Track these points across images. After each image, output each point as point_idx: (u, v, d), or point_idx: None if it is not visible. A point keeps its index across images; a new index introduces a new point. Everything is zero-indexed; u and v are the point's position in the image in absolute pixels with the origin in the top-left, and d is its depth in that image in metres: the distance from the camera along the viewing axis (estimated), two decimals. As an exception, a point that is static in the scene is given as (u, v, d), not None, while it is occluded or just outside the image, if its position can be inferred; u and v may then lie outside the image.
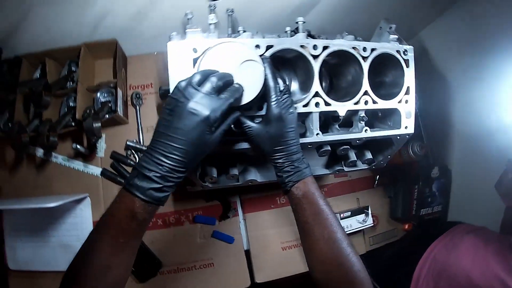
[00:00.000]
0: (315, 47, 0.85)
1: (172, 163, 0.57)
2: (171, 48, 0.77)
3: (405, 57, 0.96)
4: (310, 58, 0.85)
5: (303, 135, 0.91)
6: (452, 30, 1.34)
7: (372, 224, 1.33)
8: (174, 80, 0.75)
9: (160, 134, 0.59)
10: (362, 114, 0.94)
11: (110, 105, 1.17)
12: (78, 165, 1.20)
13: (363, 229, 1.34)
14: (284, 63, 0.96)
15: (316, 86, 0.86)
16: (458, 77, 1.30)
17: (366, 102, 0.92)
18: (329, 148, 0.95)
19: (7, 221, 1.12)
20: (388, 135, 0.98)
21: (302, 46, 0.84)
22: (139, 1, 1.02)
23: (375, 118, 1.06)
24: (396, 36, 0.97)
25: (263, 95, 0.73)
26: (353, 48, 0.90)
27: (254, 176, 1.01)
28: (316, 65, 0.85)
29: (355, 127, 0.96)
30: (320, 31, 1.30)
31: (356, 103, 0.91)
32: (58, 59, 1.19)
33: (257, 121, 0.76)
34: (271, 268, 1.24)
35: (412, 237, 1.32)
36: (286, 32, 1.01)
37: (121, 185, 0.61)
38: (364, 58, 0.91)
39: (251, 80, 0.71)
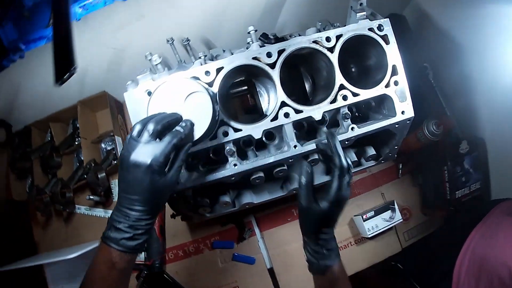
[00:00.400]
0: (269, 54, 0.79)
1: (136, 213, 0.60)
2: (127, 97, 0.78)
3: (381, 33, 0.84)
4: (267, 68, 0.79)
5: (279, 147, 0.86)
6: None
7: (403, 219, 1.19)
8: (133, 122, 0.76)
9: (120, 189, 0.62)
10: (345, 111, 0.84)
11: (114, 152, 1.24)
12: (99, 212, 1.29)
13: (394, 226, 1.21)
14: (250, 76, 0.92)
15: (280, 95, 0.80)
16: (469, 37, 1.11)
17: (344, 97, 0.83)
18: (316, 157, 0.87)
19: (48, 272, 1.23)
20: (382, 127, 0.87)
21: (255, 58, 0.79)
22: (106, 55, 1.07)
23: (369, 108, 0.96)
24: (364, 13, 0.84)
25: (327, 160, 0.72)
26: (315, 42, 0.82)
27: (250, 198, 0.97)
28: (274, 73, 0.79)
29: (341, 127, 0.87)
30: (298, 27, 1.24)
31: (333, 101, 0.83)
32: (63, 120, 1.31)
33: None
34: (297, 284, 1.18)
35: (451, 226, 1.14)
36: (248, 43, 0.96)
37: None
38: (330, 49, 0.82)
39: (200, 112, 0.69)
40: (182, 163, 0.65)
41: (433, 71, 1.24)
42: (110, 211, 1.27)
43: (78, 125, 1.29)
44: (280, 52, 0.80)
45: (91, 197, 1.19)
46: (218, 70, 0.78)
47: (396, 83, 0.86)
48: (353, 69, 0.98)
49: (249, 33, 0.85)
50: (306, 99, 0.97)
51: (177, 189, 0.80)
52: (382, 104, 0.91)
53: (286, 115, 0.80)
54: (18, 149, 1.22)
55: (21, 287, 1.23)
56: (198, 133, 0.68)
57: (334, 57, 0.82)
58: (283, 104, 0.81)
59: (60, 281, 1.23)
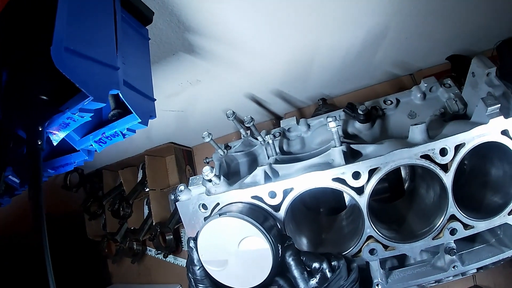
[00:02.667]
0: (356, 175, 0.60)
1: None
2: (180, 206, 0.71)
3: None
4: (352, 194, 0.61)
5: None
6: None
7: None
8: (189, 235, 0.70)
9: None
10: (451, 244, 0.63)
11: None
12: (169, 258, 1.31)
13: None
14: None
15: (367, 228, 0.62)
16: None
17: (453, 232, 0.62)
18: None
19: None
20: (497, 261, 0.64)
21: (338, 180, 0.61)
22: (168, 116, 1.00)
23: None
24: (498, 107, 0.58)
25: None
26: (424, 157, 0.59)
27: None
28: (362, 201, 0.61)
29: (440, 259, 0.66)
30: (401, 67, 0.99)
31: (436, 237, 0.62)
32: (133, 164, 1.33)
33: None
34: None
35: None
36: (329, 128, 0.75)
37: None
38: (444, 166, 0.60)
39: (256, 260, 0.57)
40: None
41: None
42: (179, 259, 1.30)
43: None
44: (371, 172, 0.60)
45: (157, 254, 1.21)
46: (287, 191, 0.63)
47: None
48: (466, 188, 0.71)
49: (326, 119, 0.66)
50: (399, 222, 0.75)
51: None
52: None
53: (372, 251, 0.63)
54: (90, 193, 1.29)
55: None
56: (254, 280, 0.57)
57: (448, 179, 0.60)
58: (369, 238, 0.63)
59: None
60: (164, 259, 1.30)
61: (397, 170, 0.75)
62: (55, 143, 0.55)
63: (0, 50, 0.52)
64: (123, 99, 0.54)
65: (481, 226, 0.61)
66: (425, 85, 0.78)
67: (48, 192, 1.25)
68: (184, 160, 1.22)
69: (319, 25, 0.77)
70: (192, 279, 0.62)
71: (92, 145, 0.60)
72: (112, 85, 0.52)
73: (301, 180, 0.62)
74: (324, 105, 1.06)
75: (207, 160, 0.95)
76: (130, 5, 0.61)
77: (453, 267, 0.64)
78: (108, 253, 1.19)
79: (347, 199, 0.83)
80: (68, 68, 0.43)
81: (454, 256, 0.64)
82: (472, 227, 0.61)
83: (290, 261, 0.56)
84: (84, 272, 1.49)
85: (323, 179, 0.61)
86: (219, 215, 0.59)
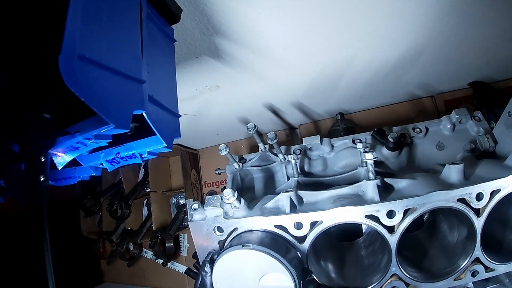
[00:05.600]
0: (390, 214, 0.57)
1: None
2: (192, 227, 0.67)
3: None
4: (383, 232, 0.58)
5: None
6: None
7: None
8: (200, 255, 0.68)
9: None
10: (469, 285, 0.62)
11: (184, 209, 1.18)
12: (165, 261, 1.28)
13: None
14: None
15: (394, 266, 0.60)
16: None
17: (474, 274, 0.61)
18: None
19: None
20: None
21: (371, 217, 0.58)
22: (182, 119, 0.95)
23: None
24: None
25: None
26: (460, 200, 0.57)
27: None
28: (392, 241, 0.58)
29: None
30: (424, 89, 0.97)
31: (457, 278, 0.61)
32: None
33: None
34: None
35: None
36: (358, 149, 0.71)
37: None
38: (477, 210, 0.57)
39: None
40: None
41: None
42: (176, 264, 1.26)
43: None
44: (406, 211, 0.57)
45: (155, 259, 1.17)
46: (314, 223, 0.60)
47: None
48: (492, 232, 0.70)
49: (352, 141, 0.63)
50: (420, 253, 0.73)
51: None
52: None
53: (397, 290, 0.61)
54: (87, 187, 1.24)
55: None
56: None
57: (479, 223, 0.58)
58: (393, 275, 0.61)
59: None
60: (160, 261, 1.27)
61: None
62: (59, 167, 0.44)
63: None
64: (148, 119, 0.43)
65: (501, 269, 0.61)
66: (456, 116, 0.75)
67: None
68: (190, 163, 1.17)
69: (356, 42, 0.73)
70: None
71: (102, 164, 0.50)
72: (136, 104, 0.41)
73: (332, 214, 0.58)
74: (342, 120, 1.03)
75: (218, 171, 0.90)
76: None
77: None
78: (103, 253, 1.14)
79: (364, 226, 0.80)
80: (82, 84, 0.31)
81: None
82: (493, 270, 0.60)
83: None
84: (74, 268, 1.44)
85: (355, 215, 0.58)
86: (242, 246, 0.55)
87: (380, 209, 0.57)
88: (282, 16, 0.62)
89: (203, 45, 0.69)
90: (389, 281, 0.62)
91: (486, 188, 0.57)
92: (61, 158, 0.44)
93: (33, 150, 0.39)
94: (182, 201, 1.20)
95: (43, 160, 0.39)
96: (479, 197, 0.57)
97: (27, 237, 0.35)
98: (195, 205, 0.68)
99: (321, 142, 0.81)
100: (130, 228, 1.19)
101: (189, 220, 0.67)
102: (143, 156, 0.49)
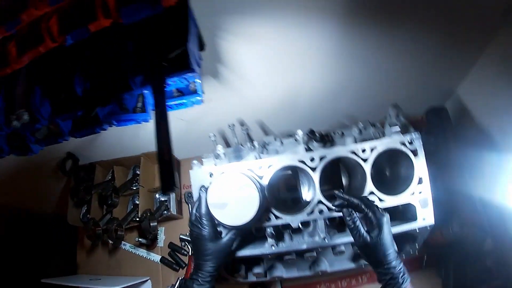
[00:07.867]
0: (311, 159, 0.96)
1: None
2: (192, 174, 0.98)
3: (411, 147, 0.97)
4: (309, 171, 0.95)
5: (312, 234, 0.99)
6: (488, 77, 1.18)
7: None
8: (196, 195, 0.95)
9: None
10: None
11: (166, 204, 1.44)
12: (142, 252, 1.47)
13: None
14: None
15: (317, 195, 0.95)
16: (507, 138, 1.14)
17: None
18: (343, 248, 1.00)
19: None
20: (402, 231, 0.98)
21: (301, 161, 0.96)
22: (175, 124, 1.29)
23: (396, 212, 1.06)
24: (398, 127, 1.00)
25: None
26: (353, 152, 0.97)
27: (280, 272, 1.10)
28: (315, 176, 0.95)
29: None
30: (351, 119, 1.40)
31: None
32: (125, 165, 1.54)
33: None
34: None
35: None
36: (295, 139, 1.11)
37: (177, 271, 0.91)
38: (365, 160, 0.97)
39: (249, 202, 0.86)
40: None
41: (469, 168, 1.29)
42: (152, 254, 1.46)
43: (138, 173, 1.51)
44: (321, 158, 0.96)
45: (139, 239, 1.37)
46: (269, 166, 0.96)
47: (420, 192, 0.97)
48: (387, 174, 1.11)
49: (294, 138, 1.02)
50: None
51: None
52: (407, 209, 1.02)
53: (321, 212, 0.95)
54: (82, 182, 1.44)
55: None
56: (244, 218, 0.85)
57: (367, 167, 0.96)
58: (320, 202, 0.96)
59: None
60: (138, 250, 1.44)
61: (337, 169, 1.13)
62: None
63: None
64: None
65: (390, 201, 0.96)
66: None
67: (35, 172, 1.37)
68: (175, 166, 1.48)
69: (301, 74, 1.13)
70: (196, 215, 0.88)
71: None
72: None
73: (279, 159, 0.95)
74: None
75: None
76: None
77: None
78: (90, 235, 1.32)
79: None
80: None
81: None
82: (384, 201, 0.96)
83: None
84: (50, 258, 1.54)
85: (292, 160, 0.95)
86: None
87: (306, 156, 0.95)
88: (256, 53, 1.03)
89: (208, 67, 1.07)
90: (317, 206, 0.96)
91: (367, 146, 0.96)
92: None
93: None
94: (163, 198, 1.46)
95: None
96: (363, 151, 0.97)
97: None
98: (195, 161, 1.01)
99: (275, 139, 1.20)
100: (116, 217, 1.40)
101: (191, 170, 0.99)
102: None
